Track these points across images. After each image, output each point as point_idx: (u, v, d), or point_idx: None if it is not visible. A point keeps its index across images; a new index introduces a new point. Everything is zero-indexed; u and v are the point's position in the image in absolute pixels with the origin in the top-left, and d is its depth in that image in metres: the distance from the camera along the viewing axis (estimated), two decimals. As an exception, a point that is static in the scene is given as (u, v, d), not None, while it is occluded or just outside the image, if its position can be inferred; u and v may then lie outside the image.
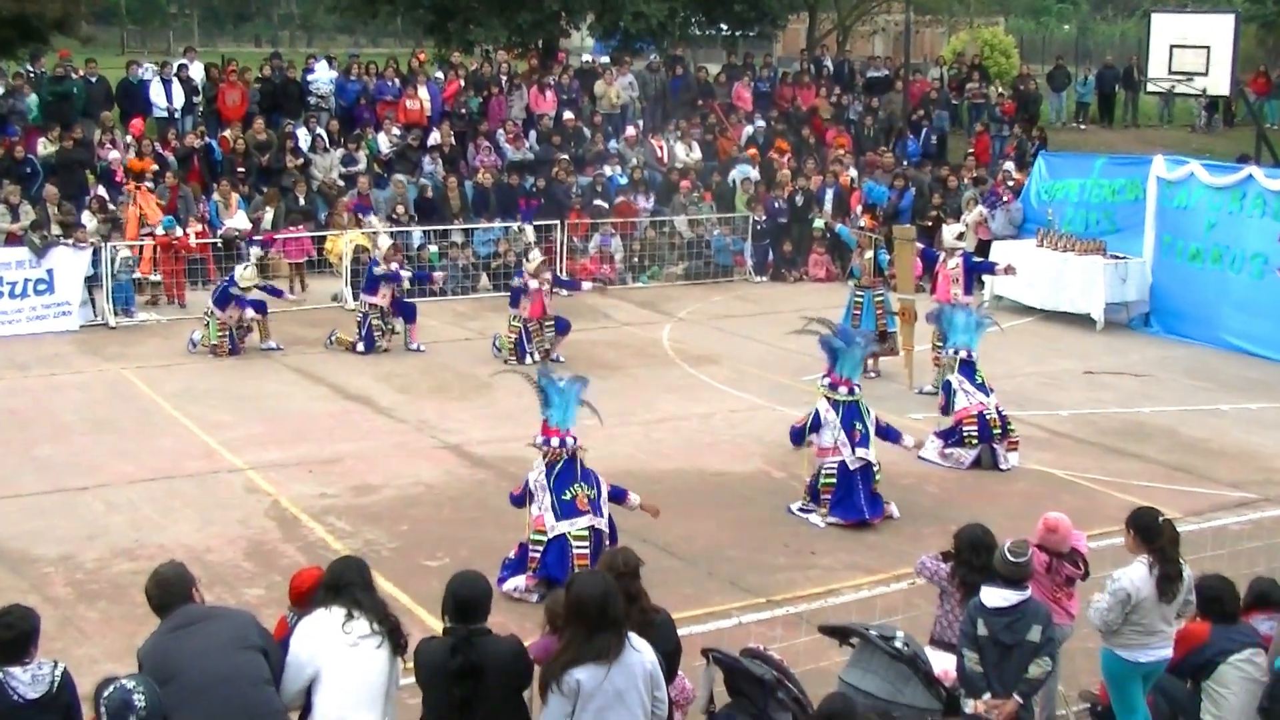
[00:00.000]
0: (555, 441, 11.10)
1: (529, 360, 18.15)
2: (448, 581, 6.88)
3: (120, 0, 57.79)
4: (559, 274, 21.31)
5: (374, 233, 21.57)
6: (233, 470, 13.99)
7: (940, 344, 16.39)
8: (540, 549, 10.87)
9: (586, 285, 21.31)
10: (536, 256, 19.01)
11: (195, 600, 6.78)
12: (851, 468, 12.75)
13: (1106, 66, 37.07)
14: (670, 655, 7.25)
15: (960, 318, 15.33)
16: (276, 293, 20.09)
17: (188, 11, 64.81)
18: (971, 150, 28.56)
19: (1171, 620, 8.31)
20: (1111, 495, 13.61)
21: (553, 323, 18.80)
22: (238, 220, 22.78)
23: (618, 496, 11.24)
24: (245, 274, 19.03)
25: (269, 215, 23.49)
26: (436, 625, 9.58)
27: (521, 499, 11.19)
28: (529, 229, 22.63)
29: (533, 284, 18.60)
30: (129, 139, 24.34)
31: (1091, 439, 15.78)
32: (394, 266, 19.26)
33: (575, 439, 11.17)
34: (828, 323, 14.01)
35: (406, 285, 19.99)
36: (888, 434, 13.24)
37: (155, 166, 23.51)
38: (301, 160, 25.12)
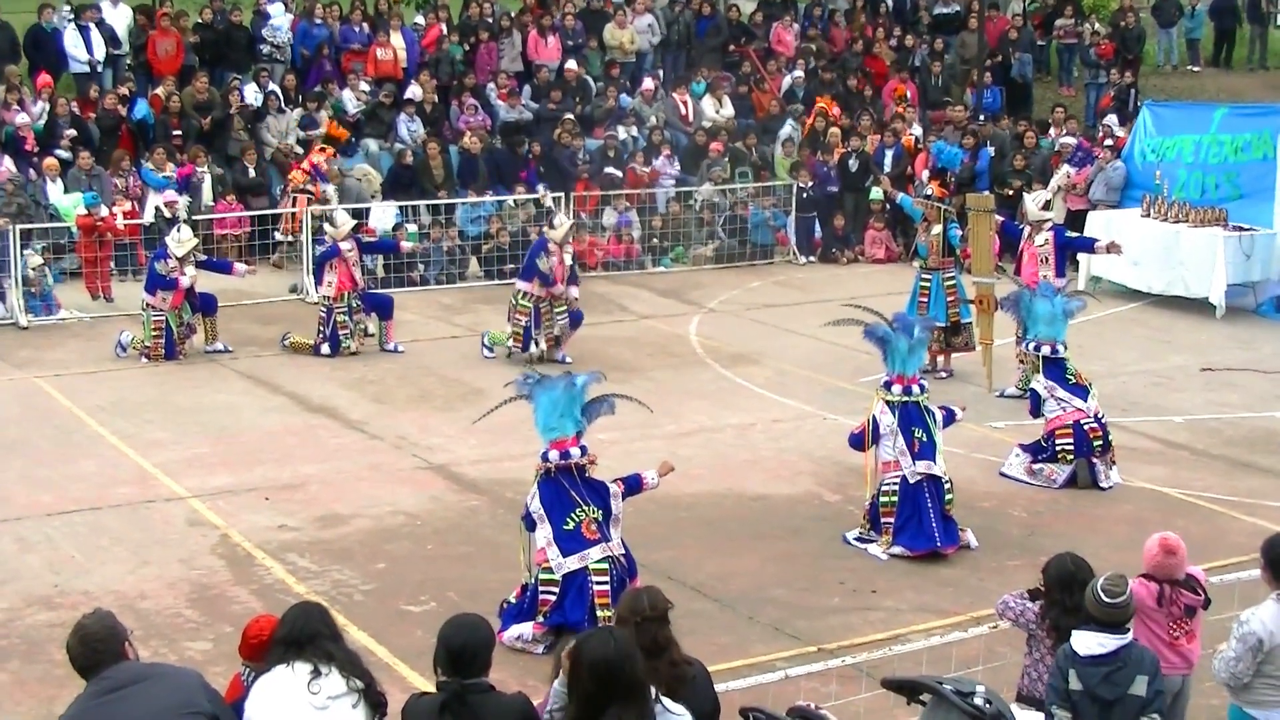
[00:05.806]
0: (555, 455, 11.18)
1: (533, 348, 18.34)
2: (440, 627, 6.91)
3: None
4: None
5: (330, 209, 21.15)
6: (172, 499, 14.02)
7: (1022, 336, 16.35)
8: (554, 590, 10.94)
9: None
10: (564, 220, 19.05)
11: (128, 658, 6.73)
12: (911, 482, 12.79)
13: (1226, -6, 36.94)
14: (707, 717, 7.26)
15: (1041, 306, 15.12)
16: (225, 268, 20.01)
17: (110, -57, 64.99)
18: (1061, 105, 28.50)
19: (1314, 671, 8.28)
20: (1237, 519, 13.62)
21: (564, 311, 18.77)
22: (165, 195, 22.00)
23: (634, 486, 11.43)
24: (181, 238, 18.68)
25: (207, 181, 23.58)
26: (419, 683, 9.64)
27: (530, 522, 11.23)
28: (545, 194, 22.77)
29: (561, 252, 18.65)
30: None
31: (1212, 450, 15.78)
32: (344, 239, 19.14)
33: (583, 449, 11.28)
34: (872, 311, 13.91)
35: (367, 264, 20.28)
36: (946, 420, 13.37)
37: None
38: (251, 116, 25.23)
